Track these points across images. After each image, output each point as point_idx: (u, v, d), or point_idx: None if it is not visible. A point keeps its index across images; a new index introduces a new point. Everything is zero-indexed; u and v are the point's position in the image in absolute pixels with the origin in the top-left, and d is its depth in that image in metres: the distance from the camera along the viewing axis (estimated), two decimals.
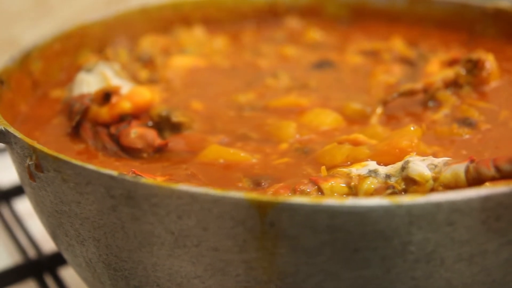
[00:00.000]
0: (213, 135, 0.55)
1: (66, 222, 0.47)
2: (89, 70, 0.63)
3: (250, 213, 0.38)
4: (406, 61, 0.70)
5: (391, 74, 0.66)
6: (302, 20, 0.85)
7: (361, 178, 0.45)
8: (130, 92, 0.58)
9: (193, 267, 0.42)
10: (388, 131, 0.54)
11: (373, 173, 0.45)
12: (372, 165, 0.46)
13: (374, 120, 0.57)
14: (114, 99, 0.57)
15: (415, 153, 0.47)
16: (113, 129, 0.55)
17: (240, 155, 0.51)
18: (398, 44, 0.73)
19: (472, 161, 0.43)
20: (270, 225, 0.38)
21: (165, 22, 0.81)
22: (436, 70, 0.65)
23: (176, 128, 0.56)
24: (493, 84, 0.63)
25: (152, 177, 0.47)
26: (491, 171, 0.41)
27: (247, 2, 0.85)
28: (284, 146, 0.53)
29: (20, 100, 0.62)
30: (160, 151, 0.54)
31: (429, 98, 0.59)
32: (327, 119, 0.56)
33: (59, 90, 0.66)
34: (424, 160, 0.45)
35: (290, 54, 0.74)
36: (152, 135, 0.54)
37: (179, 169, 0.51)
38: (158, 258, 0.43)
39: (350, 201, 0.37)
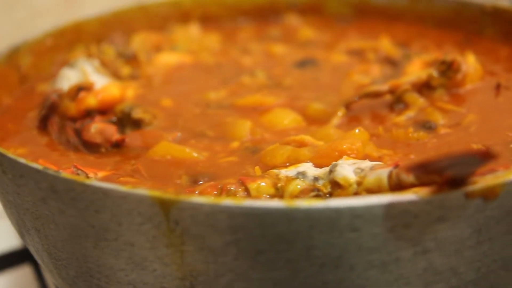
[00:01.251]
0: (170, 132, 0.56)
1: (14, 212, 0.49)
2: (71, 66, 0.65)
3: (154, 211, 0.39)
4: (389, 61, 0.68)
5: (368, 74, 0.65)
6: (303, 17, 0.85)
7: (289, 179, 0.45)
8: (99, 88, 0.60)
9: (116, 260, 0.43)
10: (341, 133, 0.53)
11: (301, 175, 0.45)
12: (303, 167, 0.46)
13: (334, 121, 0.56)
14: (81, 95, 0.59)
15: (345, 156, 0.46)
16: (78, 124, 0.57)
17: (186, 151, 0.51)
18: (384, 44, 0.71)
19: (396, 166, 0.42)
20: (175, 223, 0.39)
21: (163, 19, 0.83)
22: (416, 71, 0.64)
23: (137, 124, 0.57)
24: (470, 86, 0.61)
25: (94, 172, 0.49)
26: (410, 178, 0.40)
27: None
28: (235, 144, 0.53)
29: (4, 93, 0.65)
30: (117, 146, 0.55)
31: (396, 100, 0.58)
32: (286, 119, 0.56)
33: (45, 84, 0.68)
34: (354, 163, 0.45)
35: (277, 52, 0.74)
36: (110, 131, 0.55)
37: (128, 164, 0.52)
38: (86, 250, 0.44)
39: (247, 202, 0.37)
